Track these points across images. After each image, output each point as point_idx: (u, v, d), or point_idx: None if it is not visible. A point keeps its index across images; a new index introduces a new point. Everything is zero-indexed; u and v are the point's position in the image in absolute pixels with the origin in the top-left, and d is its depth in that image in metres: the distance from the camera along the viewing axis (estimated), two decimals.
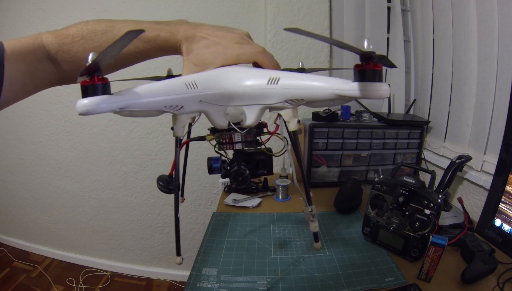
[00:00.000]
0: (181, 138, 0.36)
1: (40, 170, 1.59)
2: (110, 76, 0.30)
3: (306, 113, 1.24)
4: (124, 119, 1.41)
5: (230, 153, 0.48)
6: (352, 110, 1.14)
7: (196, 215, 1.54)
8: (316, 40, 1.20)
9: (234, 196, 0.96)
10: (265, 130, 0.43)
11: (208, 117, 0.36)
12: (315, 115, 1.09)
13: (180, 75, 0.41)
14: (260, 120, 0.38)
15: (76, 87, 0.28)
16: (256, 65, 0.40)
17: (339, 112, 1.10)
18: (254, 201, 0.93)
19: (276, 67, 0.39)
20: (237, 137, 0.40)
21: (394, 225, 0.66)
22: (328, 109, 1.07)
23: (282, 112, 0.34)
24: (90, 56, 0.26)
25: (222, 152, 0.47)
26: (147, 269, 1.66)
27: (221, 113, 0.35)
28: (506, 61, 0.79)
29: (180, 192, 0.52)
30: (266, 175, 0.50)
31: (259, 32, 1.26)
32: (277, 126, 0.38)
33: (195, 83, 0.33)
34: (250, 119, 0.36)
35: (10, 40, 0.38)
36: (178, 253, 0.38)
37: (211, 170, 0.48)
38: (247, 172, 0.46)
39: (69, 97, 1.42)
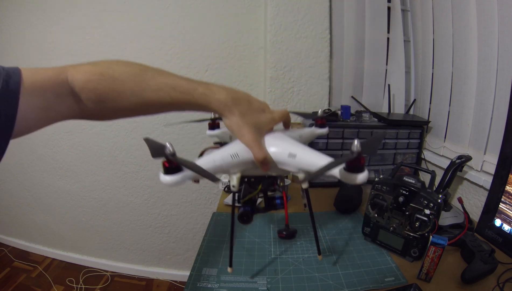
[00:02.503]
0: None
1: (40, 170, 1.59)
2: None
3: None
4: (124, 119, 1.41)
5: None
6: (352, 110, 1.14)
7: (196, 215, 1.54)
8: (316, 40, 1.20)
9: None
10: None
11: (248, 172, 0.47)
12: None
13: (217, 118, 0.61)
14: None
15: None
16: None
17: (339, 112, 1.10)
18: None
19: (289, 119, 0.52)
20: (278, 180, 0.53)
21: (394, 225, 0.66)
22: (328, 109, 1.07)
23: (297, 174, 0.45)
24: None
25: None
26: (147, 269, 1.66)
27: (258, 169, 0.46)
28: (506, 61, 0.79)
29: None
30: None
31: (259, 32, 1.26)
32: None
33: (237, 155, 0.43)
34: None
35: (30, 70, 0.35)
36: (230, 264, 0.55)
37: (275, 206, 0.54)
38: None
39: None
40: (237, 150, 0.43)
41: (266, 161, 0.43)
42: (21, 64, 0.35)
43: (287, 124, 0.53)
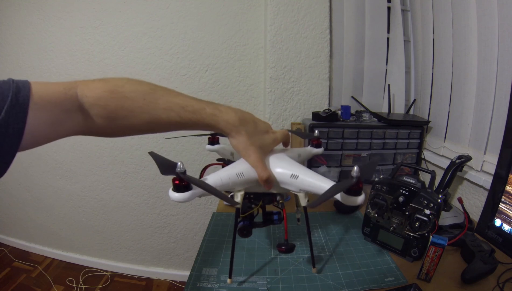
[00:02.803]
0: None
1: (40, 170, 1.59)
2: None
3: (306, 113, 1.24)
4: None
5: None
6: (352, 110, 1.14)
7: (196, 215, 1.54)
8: (316, 40, 1.20)
9: None
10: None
11: (251, 189, 0.50)
12: (315, 115, 1.09)
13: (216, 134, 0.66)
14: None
15: None
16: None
17: (339, 112, 1.10)
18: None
19: (288, 139, 0.56)
20: (278, 197, 0.56)
21: (394, 225, 0.66)
22: (328, 109, 1.07)
23: (297, 193, 0.50)
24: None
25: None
26: (147, 269, 1.66)
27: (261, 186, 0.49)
28: (506, 61, 0.79)
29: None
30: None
31: (259, 32, 1.26)
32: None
33: (242, 174, 0.46)
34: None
35: (39, 84, 0.35)
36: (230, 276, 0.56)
37: (273, 221, 0.56)
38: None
39: None
40: (242, 169, 0.45)
41: (270, 180, 0.45)
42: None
43: (286, 144, 0.57)
